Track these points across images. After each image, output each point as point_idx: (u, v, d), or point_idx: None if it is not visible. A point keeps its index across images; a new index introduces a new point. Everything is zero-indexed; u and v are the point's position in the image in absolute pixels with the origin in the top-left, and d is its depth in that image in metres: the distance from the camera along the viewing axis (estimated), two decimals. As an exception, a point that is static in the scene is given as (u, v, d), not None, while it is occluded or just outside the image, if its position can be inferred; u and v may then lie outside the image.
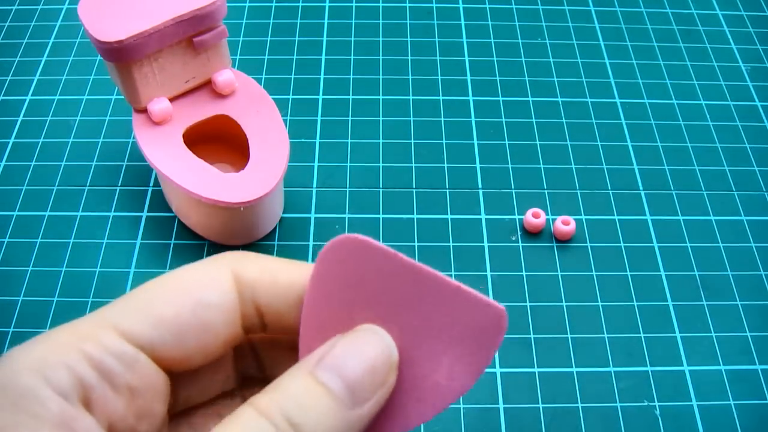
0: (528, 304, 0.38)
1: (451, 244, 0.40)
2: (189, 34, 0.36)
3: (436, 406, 0.18)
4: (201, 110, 0.38)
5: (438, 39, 0.51)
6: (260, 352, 0.21)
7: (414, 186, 0.43)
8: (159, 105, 0.37)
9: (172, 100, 0.38)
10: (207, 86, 0.39)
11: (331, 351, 0.17)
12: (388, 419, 0.18)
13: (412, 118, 0.46)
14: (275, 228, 0.40)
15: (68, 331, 0.17)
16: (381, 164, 0.43)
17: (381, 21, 0.52)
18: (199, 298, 0.18)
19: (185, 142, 0.37)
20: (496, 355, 0.36)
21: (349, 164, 0.43)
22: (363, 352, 0.17)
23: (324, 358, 0.17)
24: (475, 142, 0.45)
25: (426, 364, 0.18)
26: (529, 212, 0.41)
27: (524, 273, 0.39)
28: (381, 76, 0.48)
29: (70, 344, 0.16)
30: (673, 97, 0.48)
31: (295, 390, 0.17)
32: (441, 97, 0.47)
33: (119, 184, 0.42)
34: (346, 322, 0.19)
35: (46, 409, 0.15)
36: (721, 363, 0.36)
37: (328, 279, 0.19)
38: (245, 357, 0.21)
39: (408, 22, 0.52)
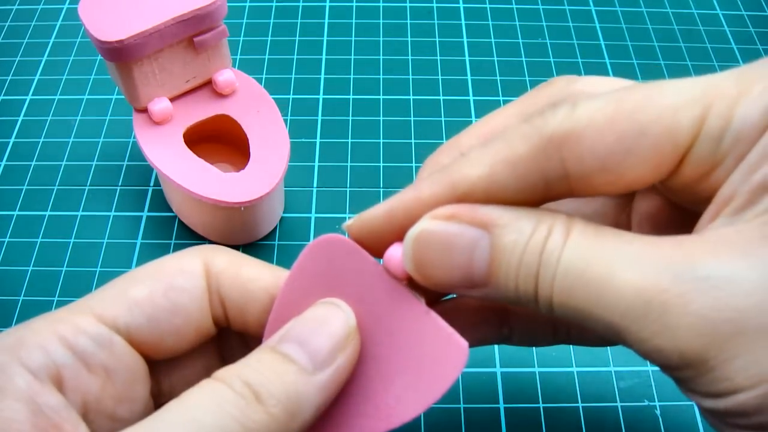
0: (528, 304, 0.38)
1: (451, 244, 0.40)
2: (189, 34, 0.36)
3: (377, 427, 0.18)
4: (201, 110, 0.38)
5: (438, 39, 0.51)
6: (250, 345, 0.22)
7: (414, 186, 0.43)
8: (159, 105, 0.37)
9: (172, 99, 0.38)
10: (207, 86, 0.39)
11: (291, 326, 0.18)
12: (332, 427, 0.18)
13: (412, 118, 0.46)
14: (275, 228, 0.40)
15: (46, 318, 0.18)
16: (381, 164, 0.43)
17: (381, 21, 0.52)
18: (170, 282, 0.19)
19: (185, 141, 0.37)
20: (497, 354, 0.36)
21: (349, 164, 0.43)
22: (321, 319, 0.18)
23: (284, 335, 0.18)
24: (476, 142, 0.45)
25: (379, 382, 0.18)
26: (530, 212, 0.40)
27: (524, 273, 0.39)
28: (381, 76, 0.48)
29: (46, 327, 0.17)
30: (674, 97, 0.48)
31: (254, 361, 0.17)
32: (441, 97, 0.47)
33: (119, 184, 0.42)
34: None
35: (12, 383, 0.16)
36: (722, 363, 0.36)
37: (308, 274, 0.19)
38: (233, 350, 0.22)
39: (408, 22, 0.52)
